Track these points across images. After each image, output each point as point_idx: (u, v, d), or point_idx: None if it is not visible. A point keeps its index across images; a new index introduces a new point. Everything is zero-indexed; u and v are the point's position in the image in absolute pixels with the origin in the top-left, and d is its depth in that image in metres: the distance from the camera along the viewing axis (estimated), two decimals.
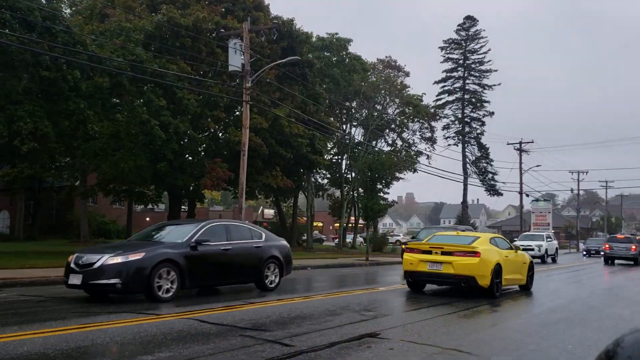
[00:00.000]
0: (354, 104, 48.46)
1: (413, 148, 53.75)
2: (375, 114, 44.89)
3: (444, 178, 46.74)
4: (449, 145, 54.73)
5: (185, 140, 29.55)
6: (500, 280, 13.55)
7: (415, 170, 49.44)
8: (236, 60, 22.30)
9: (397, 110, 48.01)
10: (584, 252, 47.47)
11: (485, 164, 54.97)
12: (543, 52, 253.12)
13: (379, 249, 43.27)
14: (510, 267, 14.28)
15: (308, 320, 8.93)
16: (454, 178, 50.91)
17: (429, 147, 53.78)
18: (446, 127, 54.93)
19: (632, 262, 34.63)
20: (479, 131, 54.78)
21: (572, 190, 76.35)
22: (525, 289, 15.46)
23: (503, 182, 55.07)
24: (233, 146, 27.95)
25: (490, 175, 55.15)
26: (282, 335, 7.51)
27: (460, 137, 54.46)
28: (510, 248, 15.25)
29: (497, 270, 13.39)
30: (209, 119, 28.02)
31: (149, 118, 24.00)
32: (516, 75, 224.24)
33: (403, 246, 22.54)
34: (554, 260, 35.29)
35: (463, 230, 22.63)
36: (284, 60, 23.85)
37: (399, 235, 79.81)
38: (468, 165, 54.72)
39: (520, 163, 54.31)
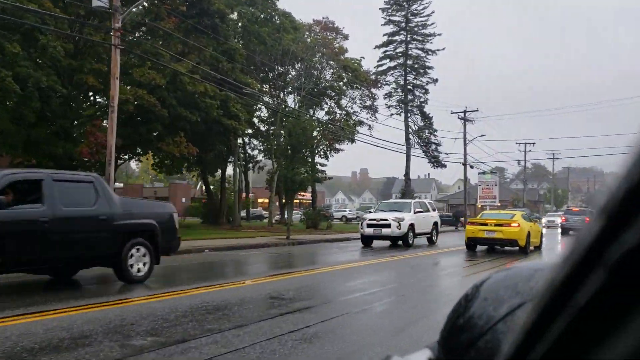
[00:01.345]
0: (292, 70, 43.97)
1: (353, 117, 49.80)
2: (308, 78, 40.50)
3: (385, 149, 43.01)
4: (392, 114, 51.02)
5: (74, 100, 24.63)
6: (529, 243, 19.35)
7: (353, 141, 45.46)
8: None
9: (335, 75, 43.76)
10: None
11: (428, 134, 51.51)
12: (487, 26, 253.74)
13: (314, 226, 39.33)
14: (533, 233, 20.22)
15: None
16: (397, 149, 47.38)
17: (370, 117, 49.96)
18: (388, 95, 51.09)
19: None
20: (422, 99, 51.15)
21: (519, 162, 74.29)
22: (538, 249, 21.34)
23: (446, 153, 51.75)
24: (121, 106, 23.12)
25: (433, 147, 51.77)
26: None
27: (403, 105, 50.72)
28: (531, 221, 21.24)
29: (528, 235, 19.28)
30: (87, 73, 22.92)
31: None
32: (459, 47, 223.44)
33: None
34: (431, 241, 24.41)
35: None
36: None
37: (345, 211, 76.38)
38: (411, 136, 51.17)
39: (465, 133, 51.12)
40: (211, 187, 47.47)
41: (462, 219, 49.23)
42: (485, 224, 19.74)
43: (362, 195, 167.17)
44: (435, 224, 25.11)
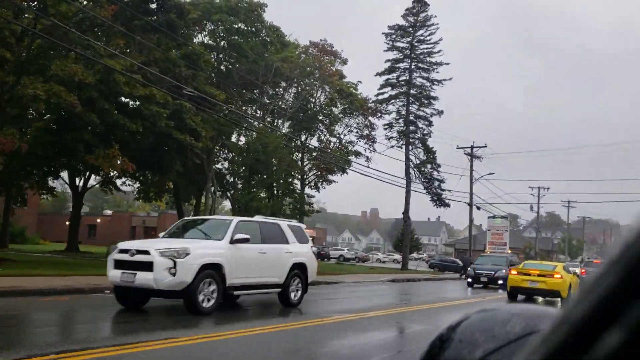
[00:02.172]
0: (279, 90, 39.42)
1: (349, 147, 44.85)
2: (296, 99, 35.76)
3: (384, 182, 38.02)
4: (392, 146, 45.84)
5: None
6: (570, 294, 18.93)
7: (345, 171, 40.42)
8: None
9: (327, 99, 39.07)
10: (469, 280, 28.08)
11: (431, 170, 46.07)
12: (499, 72, 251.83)
13: None
14: (574, 285, 19.99)
15: None
16: (397, 183, 42.14)
17: (369, 147, 44.95)
18: (389, 126, 46.04)
19: None
20: (425, 132, 45.94)
21: (531, 207, 68.24)
22: None
23: (449, 191, 46.15)
24: (28, 103, 18.34)
25: (436, 183, 46.28)
26: None
27: (404, 137, 45.59)
28: (570, 273, 21.59)
29: (569, 287, 19.61)
30: None
31: None
32: (468, 81, 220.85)
33: None
34: (285, 301, 13.31)
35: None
36: None
37: (343, 250, 70.46)
38: (412, 170, 45.83)
39: (471, 170, 45.71)
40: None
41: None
42: (529, 274, 19.70)
43: (370, 235, 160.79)
44: (299, 267, 13.44)
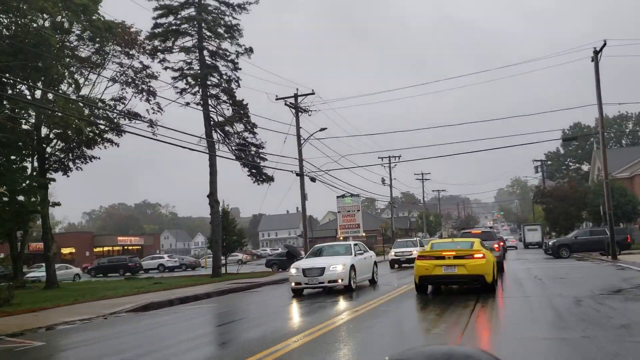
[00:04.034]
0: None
1: (119, 105, 29.04)
2: None
3: (176, 146, 22.54)
4: (187, 103, 30.87)
5: None
6: (495, 277, 14.99)
7: (104, 141, 24.75)
8: None
9: (40, 15, 22.87)
10: None
11: (243, 131, 31.92)
12: (330, 67, 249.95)
13: None
14: (495, 266, 15.22)
15: None
16: (198, 147, 27.25)
17: (151, 107, 29.62)
18: (179, 72, 31.03)
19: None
20: (230, 77, 31.74)
21: (383, 180, 57.25)
22: (496, 283, 15.24)
23: (265, 158, 32.19)
24: None
25: (253, 150, 32.23)
26: None
27: (200, 86, 30.86)
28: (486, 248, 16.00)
29: (493, 268, 14.62)
30: None
31: None
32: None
33: None
34: None
35: None
36: None
37: (163, 258, 53.69)
38: (214, 132, 31.27)
39: (298, 127, 32.10)
40: None
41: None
42: (442, 257, 14.17)
43: None
44: None
